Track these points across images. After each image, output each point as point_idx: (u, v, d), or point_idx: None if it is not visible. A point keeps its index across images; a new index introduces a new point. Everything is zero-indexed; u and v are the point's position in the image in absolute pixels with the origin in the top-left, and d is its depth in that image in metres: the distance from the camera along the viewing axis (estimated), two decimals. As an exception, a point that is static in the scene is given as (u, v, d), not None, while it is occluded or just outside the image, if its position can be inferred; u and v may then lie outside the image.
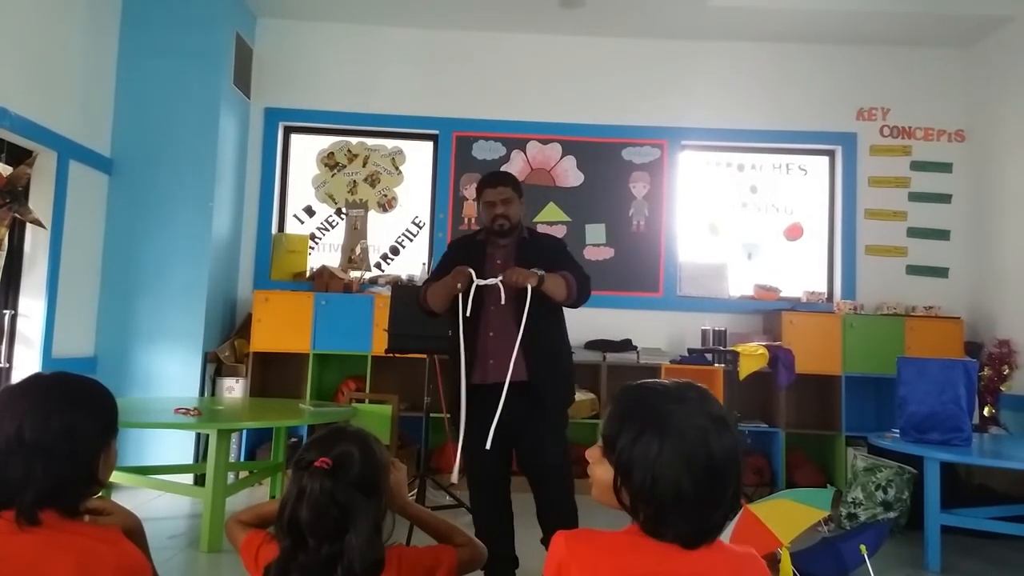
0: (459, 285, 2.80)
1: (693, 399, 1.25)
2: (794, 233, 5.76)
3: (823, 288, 5.66)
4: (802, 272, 5.70)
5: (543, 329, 2.84)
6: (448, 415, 3.04)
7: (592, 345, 5.16)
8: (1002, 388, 4.83)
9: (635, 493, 1.20)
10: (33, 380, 1.47)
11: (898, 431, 4.03)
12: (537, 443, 2.82)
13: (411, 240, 5.76)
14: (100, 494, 1.54)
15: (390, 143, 5.81)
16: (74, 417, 1.39)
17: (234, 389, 5.02)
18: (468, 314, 2.82)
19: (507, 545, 2.85)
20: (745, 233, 5.75)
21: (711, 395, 1.28)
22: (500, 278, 2.79)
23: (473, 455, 2.88)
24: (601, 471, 1.27)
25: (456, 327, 2.88)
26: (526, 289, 2.76)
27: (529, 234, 3.08)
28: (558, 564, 1.23)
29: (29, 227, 4.28)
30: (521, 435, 2.83)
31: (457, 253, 3.06)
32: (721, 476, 1.19)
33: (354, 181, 5.78)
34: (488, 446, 2.72)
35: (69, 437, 1.37)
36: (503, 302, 2.79)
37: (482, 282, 2.84)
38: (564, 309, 3.00)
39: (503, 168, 5.62)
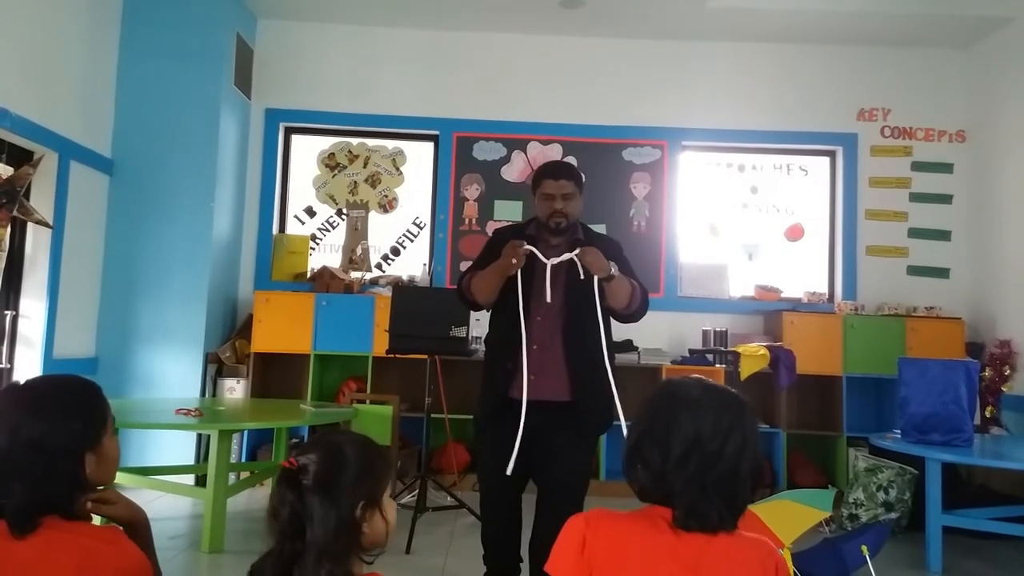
0: (514, 260, 2.51)
1: (698, 380, 1.44)
2: (795, 234, 5.76)
3: (824, 289, 5.66)
4: (803, 273, 5.70)
5: (592, 346, 2.56)
6: (476, 421, 2.81)
7: (580, 260, 5.10)
8: (1003, 389, 4.83)
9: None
10: (5, 392, 1.46)
11: (899, 432, 4.03)
12: (555, 455, 2.59)
13: (412, 241, 5.76)
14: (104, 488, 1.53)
15: (391, 144, 5.81)
16: (43, 429, 1.37)
17: (235, 390, 5.02)
18: (533, 290, 2.55)
19: (510, 557, 2.74)
20: (746, 234, 5.75)
21: (720, 386, 1.44)
22: (576, 252, 2.52)
23: (493, 467, 2.63)
24: None
25: (505, 320, 2.63)
26: (572, 299, 2.58)
27: (584, 234, 2.77)
28: (581, 541, 1.30)
29: (30, 228, 4.28)
30: (545, 446, 2.59)
31: (503, 245, 2.69)
32: (670, 416, 1.35)
33: (355, 182, 5.78)
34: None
35: (40, 451, 1.36)
36: (582, 277, 2.54)
37: (556, 260, 2.55)
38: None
39: (504, 168, 5.63)
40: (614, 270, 2.54)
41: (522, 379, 2.59)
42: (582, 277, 2.56)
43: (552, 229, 2.68)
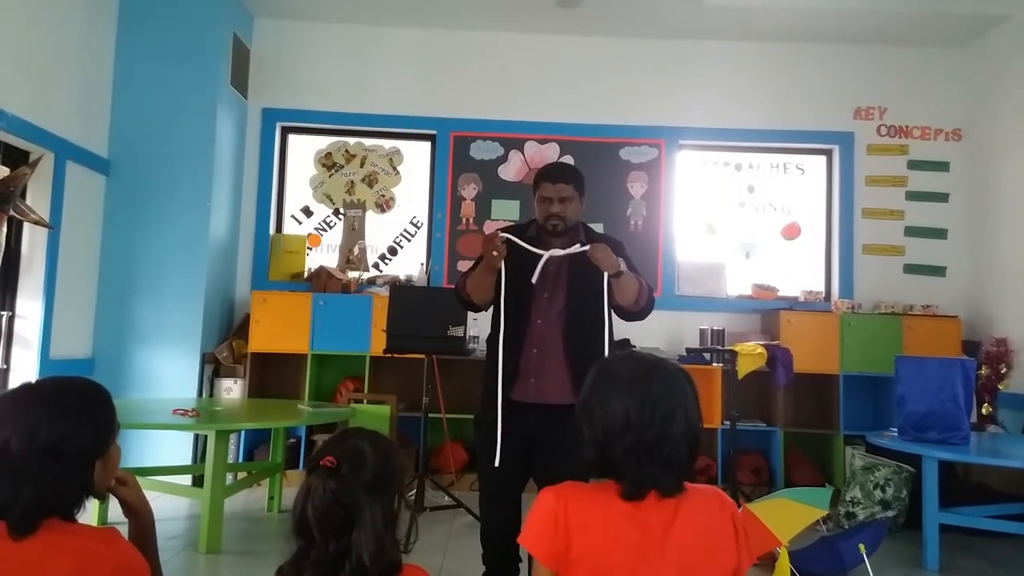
0: (495, 252, 2.50)
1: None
2: (792, 232, 5.77)
3: (821, 287, 5.67)
4: (800, 271, 5.71)
5: (595, 348, 2.54)
6: (477, 424, 2.79)
7: (592, 257, 5.09)
8: (1000, 387, 4.83)
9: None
10: (21, 391, 1.44)
11: (896, 430, 4.04)
12: (555, 452, 2.57)
13: (409, 240, 5.76)
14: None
15: (388, 143, 5.80)
16: (61, 434, 1.36)
17: (232, 390, 5.01)
18: (534, 279, 2.54)
19: (510, 556, 2.76)
20: (743, 232, 5.75)
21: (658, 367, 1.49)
22: (587, 247, 2.53)
23: (492, 469, 2.63)
24: None
25: (498, 320, 2.62)
26: (572, 303, 2.60)
27: (586, 235, 2.78)
28: (554, 517, 1.40)
29: (26, 228, 4.28)
30: (543, 442, 2.61)
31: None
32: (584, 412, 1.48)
33: (352, 181, 5.77)
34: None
35: (55, 456, 1.35)
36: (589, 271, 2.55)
37: (560, 252, 2.56)
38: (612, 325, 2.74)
39: (501, 167, 5.63)
40: (623, 266, 2.56)
41: (523, 382, 2.62)
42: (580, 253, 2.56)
43: (550, 231, 2.69)
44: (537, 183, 2.74)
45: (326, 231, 5.77)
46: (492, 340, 2.77)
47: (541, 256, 2.62)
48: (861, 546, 2.95)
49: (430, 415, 4.30)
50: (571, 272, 2.65)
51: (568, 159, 5.55)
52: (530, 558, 2.65)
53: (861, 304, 5.33)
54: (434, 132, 5.70)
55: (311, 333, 5.06)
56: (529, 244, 2.66)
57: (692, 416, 1.44)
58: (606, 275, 2.55)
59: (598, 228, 5.50)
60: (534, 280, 2.57)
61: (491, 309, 2.81)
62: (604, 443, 1.42)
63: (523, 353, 2.63)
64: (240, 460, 4.96)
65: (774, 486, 4.93)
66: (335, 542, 1.33)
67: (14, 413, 1.37)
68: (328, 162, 5.79)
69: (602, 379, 1.48)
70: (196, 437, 4.83)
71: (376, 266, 5.72)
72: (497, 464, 2.56)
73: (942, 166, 5.63)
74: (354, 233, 5.74)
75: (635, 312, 2.70)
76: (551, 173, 2.75)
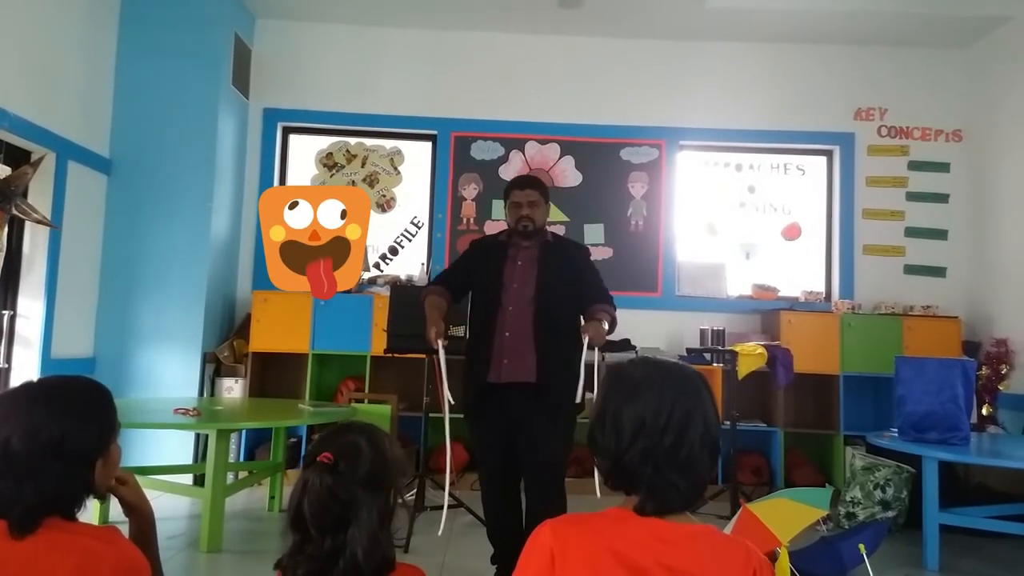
0: (431, 337, 2.90)
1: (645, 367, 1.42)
2: (792, 233, 5.77)
3: (821, 288, 5.67)
4: (800, 272, 5.71)
5: (564, 331, 2.90)
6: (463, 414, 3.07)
7: (591, 345, 5.14)
8: (1000, 387, 4.84)
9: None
10: (23, 390, 1.44)
11: (896, 430, 4.04)
12: (534, 439, 2.82)
13: (410, 240, 5.77)
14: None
15: (389, 143, 5.81)
16: (63, 430, 1.36)
17: (233, 389, 5.02)
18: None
19: (519, 542, 2.82)
20: (743, 233, 5.75)
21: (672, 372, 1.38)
22: (587, 337, 2.82)
23: (484, 453, 2.94)
24: None
25: (479, 311, 3.01)
26: (542, 292, 2.89)
27: (553, 238, 3.11)
28: (550, 553, 1.28)
29: (28, 228, 4.28)
30: (522, 430, 2.84)
31: (476, 253, 3.14)
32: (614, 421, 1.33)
33: (353, 181, 5.78)
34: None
35: (56, 455, 1.35)
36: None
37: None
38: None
39: (501, 168, 5.63)
40: (606, 327, 2.86)
41: (497, 366, 2.86)
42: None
43: (521, 232, 3.00)
44: (508, 192, 3.08)
45: (327, 231, 5.77)
46: (470, 329, 3.10)
47: (507, 253, 2.99)
48: (861, 546, 2.96)
49: (430, 415, 4.30)
50: (541, 268, 2.93)
51: (569, 160, 5.56)
52: None
53: (861, 305, 5.33)
54: (435, 132, 5.71)
55: (312, 333, 5.07)
56: (501, 247, 3.02)
57: (710, 420, 1.35)
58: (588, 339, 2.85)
59: (598, 228, 5.52)
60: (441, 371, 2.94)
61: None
62: (618, 452, 1.32)
63: (496, 337, 2.87)
64: (241, 459, 4.97)
65: (774, 486, 4.93)
66: (330, 538, 1.32)
67: (16, 412, 1.37)
68: (329, 162, 5.79)
69: (615, 385, 1.38)
70: (197, 436, 4.83)
71: (377, 266, 5.72)
72: (450, 470, 2.97)
73: (942, 167, 5.64)
74: (355, 233, 5.73)
75: None
76: (520, 181, 3.11)
